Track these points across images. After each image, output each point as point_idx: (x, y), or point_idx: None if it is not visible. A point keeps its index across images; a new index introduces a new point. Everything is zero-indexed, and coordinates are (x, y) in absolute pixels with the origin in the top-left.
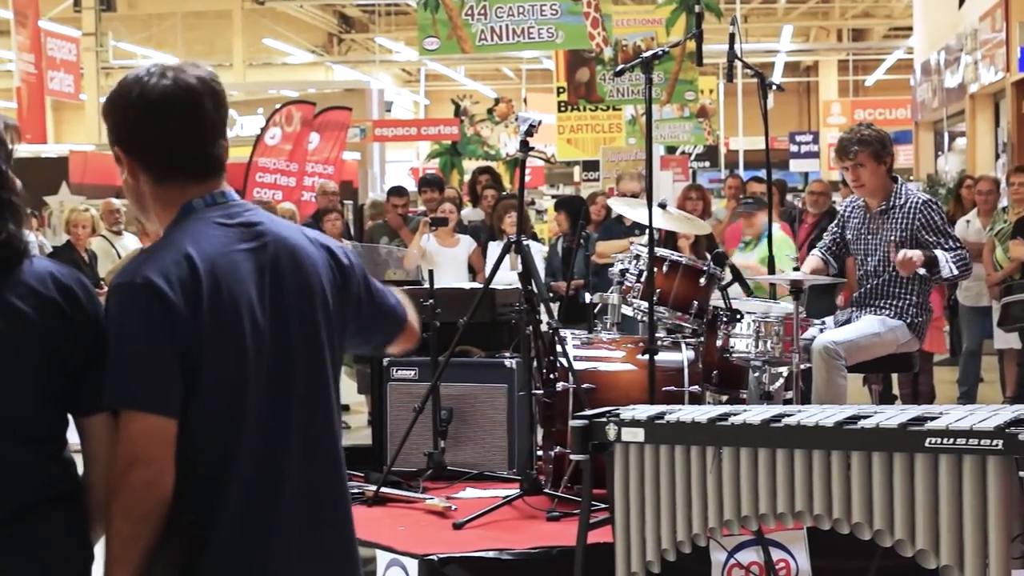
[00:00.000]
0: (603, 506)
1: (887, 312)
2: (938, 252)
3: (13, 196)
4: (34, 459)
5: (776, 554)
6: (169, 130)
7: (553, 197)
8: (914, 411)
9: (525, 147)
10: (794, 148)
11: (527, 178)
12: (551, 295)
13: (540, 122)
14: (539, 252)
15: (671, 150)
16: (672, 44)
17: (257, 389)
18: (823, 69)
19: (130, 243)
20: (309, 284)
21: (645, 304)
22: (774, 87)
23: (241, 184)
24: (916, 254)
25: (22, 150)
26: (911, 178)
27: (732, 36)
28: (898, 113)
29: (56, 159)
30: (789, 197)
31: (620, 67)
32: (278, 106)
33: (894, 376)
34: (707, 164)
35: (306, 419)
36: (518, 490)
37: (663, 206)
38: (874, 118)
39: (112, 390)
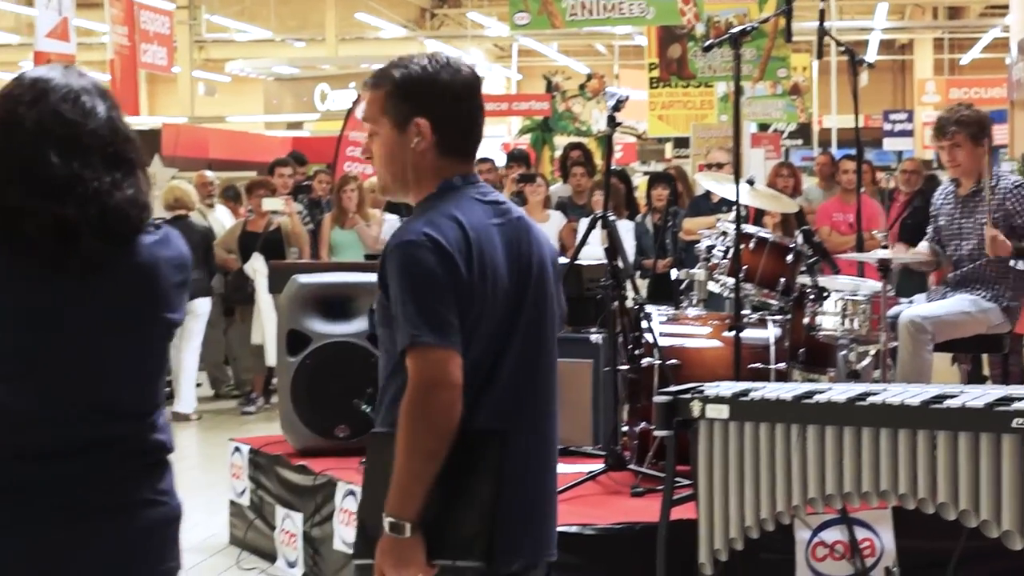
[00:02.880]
0: (687, 482)
1: (981, 294)
2: None
3: (134, 156)
4: (144, 430)
5: (861, 533)
6: (468, 113)
7: (645, 174)
8: (1000, 391)
9: (612, 123)
10: (888, 127)
11: (618, 154)
12: (640, 272)
13: (627, 98)
14: (628, 228)
15: (763, 128)
16: (761, 20)
17: (511, 332)
18: (918, 47)
19: (222, 216)
20: (541, 259)
21: (731, 281)
22: (864, 64)
23: (332, 158)
24: (1005, 243)
25: None
26: (1007, 157)
27: (822, 12)
28: (993, 92)
29: (149, 131)
30: (883, 176)
31: (708, 43)
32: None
33: (984, 356)
34: (800, 142)
35: (547, 372)
36: (602, 466)
37: (751, 183)
38: (969, 97)
39: (411, 331)
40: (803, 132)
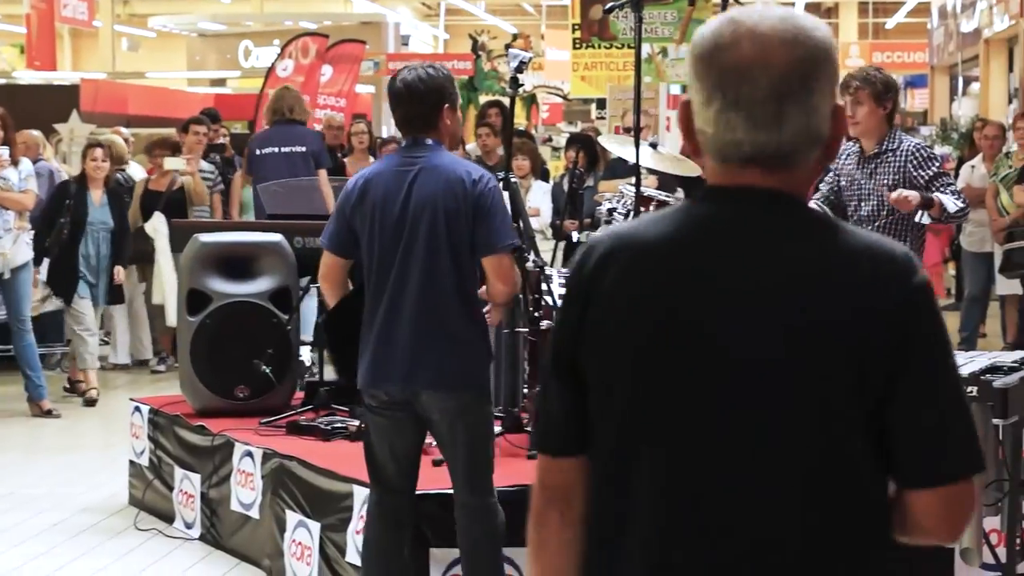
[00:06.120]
0: None
1: None
2: (937, 194)
3: None
4: None
5: None
6: (394, 107)
7: (571, 135)
8: None
9: (515, 84)
10: None
11: (545, 115)
12: (556, 234)
13: (530, 59)
14: (546, 190)
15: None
16: None
17: (383, 246)
18: (843, 11)
19: (136, 173)
20: (432, 195)
21: None
22: None
23: (253, 115)
24: (912, 194)
25: (32, 77)
26: (926, 122)
27: None
28: (916, 57)
29: (67, 87)
30: None
31: (609, 5)
32: (292, 37)
33: None
34: None
35: (417, 269)
36: (499, 428)
37: (654, 146)
38: (892, 61)
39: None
40: None
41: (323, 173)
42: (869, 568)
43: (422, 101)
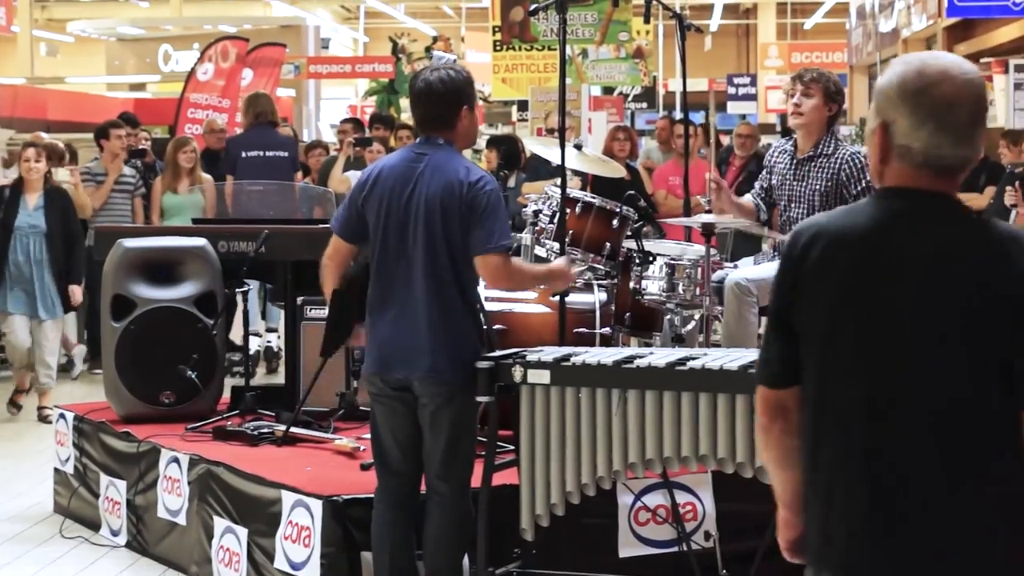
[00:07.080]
0: (511, 447)
1: None
2: None
3: None
4: None
5: (682, 497)
6: (413, 105)
7: (491, 136)
8: None
9: None
10: (732, 90)
11: None
12: None
13: (454, 61)
14: None
15: (608, 91)
16: None
17: (388, 236)
18: (762, 12)
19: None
20: (433, 194)
21: (558, 245)
22: (692, 29)
23: (173, 119)
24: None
25: None
26: (846, 122)
27: None
28: (835, 57)
29: None
30: (725, 140)
31: (534, 7)
32: (212, 41)
33: None
34: (644, 105)
35: (420, 264)
36: None
37: (579, 147)
38: (811, 61)
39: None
40: (648, 95)
41: (299, 176)
42: (1009, 474)
43: (441, 101)
